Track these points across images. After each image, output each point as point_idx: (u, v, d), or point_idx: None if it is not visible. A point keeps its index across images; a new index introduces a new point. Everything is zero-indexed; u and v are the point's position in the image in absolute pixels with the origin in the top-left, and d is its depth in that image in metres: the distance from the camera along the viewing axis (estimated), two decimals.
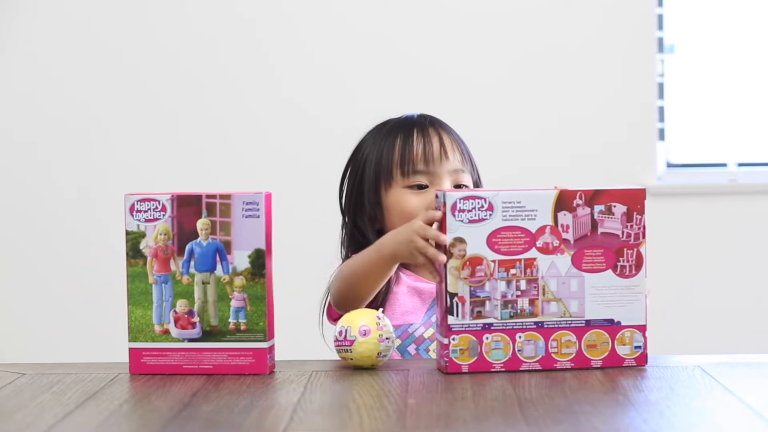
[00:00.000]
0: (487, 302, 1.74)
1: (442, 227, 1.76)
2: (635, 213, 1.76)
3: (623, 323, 1.77)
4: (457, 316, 1.74)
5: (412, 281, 2.11)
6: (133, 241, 1.84)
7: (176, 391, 1.72)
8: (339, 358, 1.86)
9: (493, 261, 1.74)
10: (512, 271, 1.74)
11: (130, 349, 1.85)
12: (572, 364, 1.77)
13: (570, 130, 4.32)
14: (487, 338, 1.74)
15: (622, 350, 1.78)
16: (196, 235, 1.83)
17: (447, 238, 1.74)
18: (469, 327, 1.74)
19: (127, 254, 1.85)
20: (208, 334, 1.83)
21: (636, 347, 1.78)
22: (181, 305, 1.84)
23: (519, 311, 1.75)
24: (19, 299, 4.40)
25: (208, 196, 1.83)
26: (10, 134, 4.39)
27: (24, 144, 4.39)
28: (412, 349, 2.08)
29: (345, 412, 1.60)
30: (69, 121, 4.38)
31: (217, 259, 1.83)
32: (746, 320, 4.38)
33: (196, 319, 1.84)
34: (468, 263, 1.74)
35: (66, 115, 4.37)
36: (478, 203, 1.73)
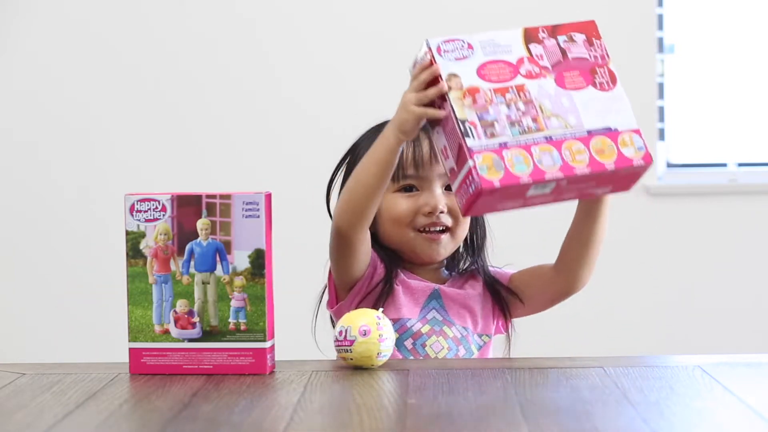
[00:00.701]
0: (496, 124, 1.80)
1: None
2: (593, 38, 1.93)
3: (620, 129, 1.85)
4: (474, 137, 1.78)
5: (407, 278, 2.11)
6: (133, 241, 1.84)
7: (176, 391, 1.72)
8: (339, 358, 1.86)
9: (489, 90, 1.82)
10: (508, 95, 1.82)
11: (130, 349, 1.84)
12: (590, 169, 1.81)
13: None
14: (506, 154, 1.79)
15: (627, 152, 1.84)
16: (196, 235, 1.83)
17: (442, 71, 1.81)
18: (487, 146, 1.79)
19: (127, 254, 1.85)
20: (208, 334, 1.83)
21: (639, 148, 1.84)
22: (181, 305, 1.84)
23: (526, 129, 1.81)
24: (19, 299, 4.40)
25: (208, 196, 1.83)
26: (10, 134, 4.39)
27: (24, 144, 4.39)
28: (409, 343, 2.08)
29: (345, 412, 1.60)
30: (69, 121, 4.38)
31: (217, 259, 1.83)
32: (746, 320, 4.38)
33: (196, 319, 1.84)
34: (467, 93, 1.81)
35: (66, 115, 4.37)
36: (459, 44, 1.85)
